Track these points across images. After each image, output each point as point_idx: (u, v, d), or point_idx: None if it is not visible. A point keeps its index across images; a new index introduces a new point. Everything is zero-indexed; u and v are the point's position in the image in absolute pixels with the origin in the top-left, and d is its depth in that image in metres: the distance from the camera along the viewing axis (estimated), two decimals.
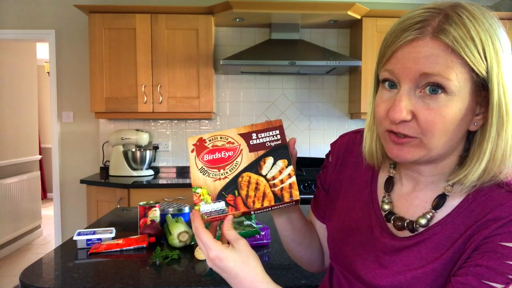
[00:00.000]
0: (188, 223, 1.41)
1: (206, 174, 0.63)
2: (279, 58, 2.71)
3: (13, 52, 3.79)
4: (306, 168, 3.09)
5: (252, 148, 0.64)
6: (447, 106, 0.51)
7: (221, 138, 0.65)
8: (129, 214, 1.69)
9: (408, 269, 0.57)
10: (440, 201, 0.58)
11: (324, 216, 0.77)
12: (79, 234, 1.24)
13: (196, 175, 0.63)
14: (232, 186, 0.61)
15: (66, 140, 3.20)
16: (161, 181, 2.74)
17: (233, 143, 0.64)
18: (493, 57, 0.50)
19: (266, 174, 0.62)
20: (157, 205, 1.39)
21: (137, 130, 3.02)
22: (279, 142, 0.64)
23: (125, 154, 2.93)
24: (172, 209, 1.48)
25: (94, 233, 1.26)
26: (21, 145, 3.91)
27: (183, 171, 3.20)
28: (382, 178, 0.68)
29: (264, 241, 1.25)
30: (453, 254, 0.55)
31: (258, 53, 2.78)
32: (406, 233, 0.60)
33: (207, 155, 0.64)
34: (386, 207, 0.64)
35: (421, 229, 0.58)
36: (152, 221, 1.36)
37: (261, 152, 0.63)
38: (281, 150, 0.63)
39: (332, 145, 0.79)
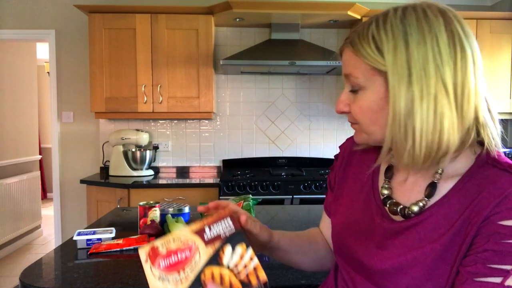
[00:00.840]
0: (188, 223, 1.41)
1: (166, 281, 0.60)
2: (279, 58, 2.71)
3: (13, 52, 3.79)
4: (306, 168, 3.09)
5: (208, 242, 0.63)
6: (363, 99, 0.62)
7: (174, 240, 0.64)
8: (129, 214, 1.69)
9: (408, 250, 0.58)
10: (431, 190, 0.60)
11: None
12: (79, 234, 1.24)
13: (155, 285, 0.60)
14: (196, 285, 0.59)
15: (66, 140, 3.20)
16: (161, 181, 2.74)
17: (187, 242, 0.63)
18: (390, 51, 0.57)
19: (228, 264, 0.60)
20: (157, 205, 1.39)
21: (137, 130, 3.02)
22: (233, 229, 0.63)
23: (125, 154, 2.94)
24: (172, 209, 1.48)
25: (94, 233, 1.26)
26: (21, 145, 3.91)
27: (183, 171, 3.20)
28: (383, 168, 0.71)
29: None
30: (453, 235, 0.56)
31: (258, 53, 2.78)
32: (402, 217, 0.63)
33: (163, 261, 0.62)
34: (385, 192, 0.67)
35: (413, 215, 0.61)
36: (152, 221, 1.36)
37: (217, 244, 0.62)
38: (237, 236, 0.63)
39: (340, 147, 0.84)
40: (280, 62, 2.69)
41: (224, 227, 0.64)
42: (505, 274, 0.50)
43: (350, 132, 3.32)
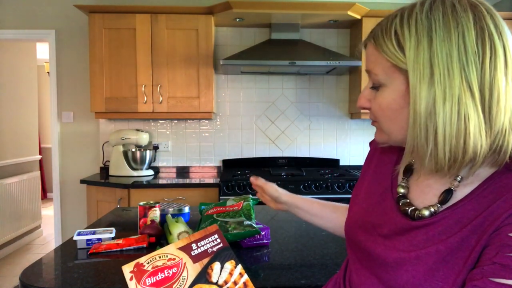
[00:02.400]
0: (188, 223, 1.41)
1: None
2: (279, 58, 2.71)
3: (13, 52, 3.79)
4: (306, 168, 3.09)
5: (196, 259, 0.61)
6: (382, 96, 0.60)
7: (160, 257, 0.62)
8: (129, 214, 1.69)
9: (413, 249, 0.57)
10: (446, 196, 0.58)
11: None
12: (79, 234, 1.24)
13: None
14: None
15: (66, 140, 3.20)
16: (161, 181, 2.74)
17: (174, 259, 0.61)
18: (411, 48, 0.54)
19: (217, 281, 0.59)
20: (157, 205, 1.39)
21: (137, 130, 3.02)
22: (221, 245, 0.63)
23: (125, 154, 2.94)
24: (172, 209, 1.48)
25: (94, 233, 1.26)
26: (21, 145, 3.91)
27: (183, 171, 3.20)
28: (403, 166, 0.70)
29: (264, 241, 1.25)
30: (461, 240, 0.54)
31: (258, 53, 2.78)
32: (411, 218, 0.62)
33: (149, 279, 0.60)
34: (402, 190, 0.65)
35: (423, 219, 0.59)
36: (152, 221, 1.36)
37: (205, 260, 0.61)
38: (225, 252, 0.62)
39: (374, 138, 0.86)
40: (280, 62, 2.69)
41: (212, 243, 0.63)
42: None
43: (350, 132, 3.33)
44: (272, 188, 1.03)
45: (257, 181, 1.06)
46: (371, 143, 0.83)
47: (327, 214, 0.97)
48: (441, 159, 0.54)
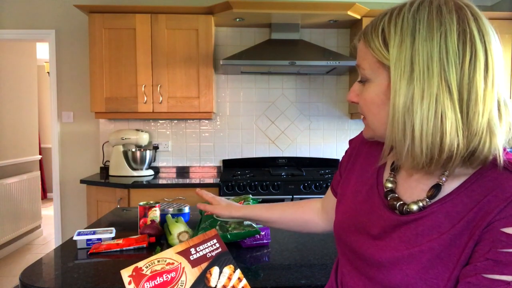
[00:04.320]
0: (188, 223, 1.41)
1: None
2: (279, 58, 2.71)
3: (13, 52, 3.79)
4: (306, 168, 3.09)
5: (194, 263, 0.62)
6: (367, 91, 0.62)
7: (158, 261, 0.62)
8: (129, 214, 1.69)
9: (405, 246, 0.57)
10: (435, 191, 0.58)
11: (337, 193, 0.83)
12: (79, 234, 1.24)
13: None
14: None
15: (66, 140, 3.20)
16: (161, 181, 2.74)
17: (172, 263, 0.62)
18: (395, 46, 0.55)
19: (216, 285, 0.60)
20: (157, 205, 1.39)
21: (137, 130, 3.02)
22: (220, 250, 0.63)
23: (125, 154, 2.94)
24: (172, 209, 1.48)
25: (94, 233, 1.26)
26: (21, 145, 3.91)
27: (183, 171, 3.20)
28: (390, 162, 0.70)
29: (264, 241, 1.25)
30: (453, 237, 0.54)
31: (258, 53, 2.78)
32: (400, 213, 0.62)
33: (148, 283, 0.60)
34: (389, 185, 0.66)
35: (412, 213, 0.59)
36: (152, 221, 1.36)
37: (204, 265, 0.61)
38: (224, 257, 0.62)
39: (356, 137, 0.85)
40: (280, 62, 2.69)
41: (210, 247, 0.63)
42: (505, 285, 0.48)
43: (350, 132, 3.33)
44: (221, 207, 0.98)
45: (204, 196, 1.02)
46: (350, 142, 0.84)
47: (286, 217, 0.95)
48: (418, 156, 0.55)
